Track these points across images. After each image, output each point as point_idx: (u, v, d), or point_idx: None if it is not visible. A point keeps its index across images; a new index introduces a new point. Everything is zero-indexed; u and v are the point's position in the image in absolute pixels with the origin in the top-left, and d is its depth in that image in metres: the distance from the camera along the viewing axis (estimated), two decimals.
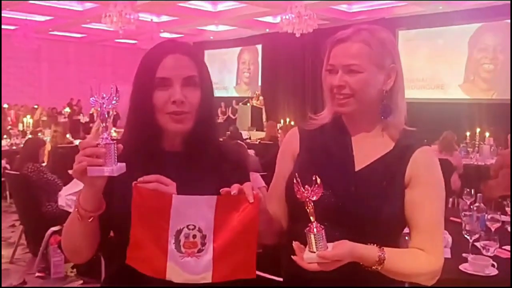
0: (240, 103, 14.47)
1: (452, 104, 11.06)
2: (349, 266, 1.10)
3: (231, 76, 17.05)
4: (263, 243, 1.29)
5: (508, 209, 2.99)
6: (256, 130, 11.93)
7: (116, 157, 1.03)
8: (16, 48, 12.51)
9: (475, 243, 2.39)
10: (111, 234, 1.23)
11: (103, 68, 18.22)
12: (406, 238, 1.39)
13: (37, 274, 4.02)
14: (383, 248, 1.12)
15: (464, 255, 2.33)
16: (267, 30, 13.76)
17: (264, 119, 13.54)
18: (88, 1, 11.04)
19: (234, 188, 1.04)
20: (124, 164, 1.04)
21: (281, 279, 1.41)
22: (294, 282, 1.27)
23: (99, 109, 1.04)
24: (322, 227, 1.07)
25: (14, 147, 7.44)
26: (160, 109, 1.15)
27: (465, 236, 2.42)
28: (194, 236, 1.03)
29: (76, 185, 4.40)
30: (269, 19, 12.80)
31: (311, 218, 1.07)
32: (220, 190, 1.05)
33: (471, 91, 11.20)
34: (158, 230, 1.03)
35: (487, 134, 7.39)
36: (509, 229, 2.78)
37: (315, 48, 12.50)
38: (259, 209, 1.05)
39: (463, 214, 2.75)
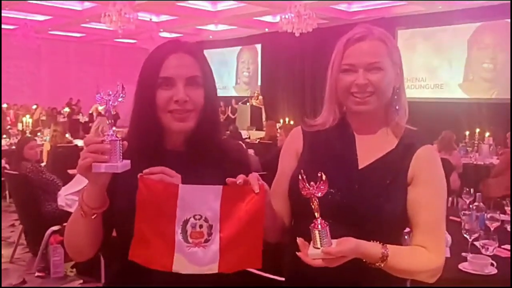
0: (240, 103, 14.47)
1: (451, 103, 11.07)
2: (351, 264, 1.11)
3: (230, 75, 17.05)
4: (265, 240, 1.29)
5: (507, 208, 2.99)
6: (256, 130, 11.93)
7: (121, 154, 1.03)
8: (16, 47, 12.52)
9: (475, 242, 2.39)
10: (113, 234, 1.23)
11: (103, 68, 18.22)
12: (406, 237, 1.40)
13: (36, 273, 4.03)
14: (386, 245, 1.13)
15: (463, 254, 2.33)
16: (267, 29, 13.76)
17: (263, 119, 13.54)
18: (87, 0, 11.03)
19: (240, 178, 1.05)
20: (128, 161, 1.04)
21: (282, 279, 1.41)
22: (297, 280, 1.28)
23: (99, 107, 1.05)
24: (327, 223, 1.08)
25: (13, 147, 7.43)
26: (162, 108, 1.16)
27: (465, 235, 2.43)
28: (201, 226, 1.03)
29: (75, 185, 4.40)
30: (268, 18, 12.81)
31: (316, 214, 1.08)
32: (226, 180, 1.05)
33: (470, 90, 11.20)
34: (165, 221, 1.02)
35: (486, 133, 7.39)
36: (508, 228, 2.79)
37: (315, 48, 12.53)
38: (265, 200, 1.05)
39: (462, 213, 2.75)
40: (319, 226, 1.07)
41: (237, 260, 1.05)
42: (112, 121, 1.05)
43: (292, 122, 11.16)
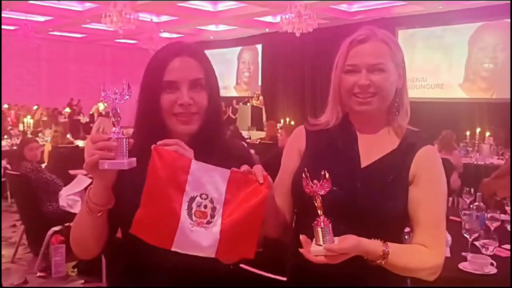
0: (240, 103, 14.47)
1: (452, 103, 11.07)
2: (353, 263, 1.13)
3: (231, 75, 17.04)
4: (267, 235, 1.30)
5: (507, 208, 2.99)
6: (256, 130, 11.93)
7: (127, 152, 1.04)
8: (17, 48, 12.53)
9: (475, 242, 2.40)
10: (117, 234, 1.24)
11: (103, 68, 18.22)
12: (406, 237, 1.41)
13: (38, 273, 4.04)
14: (387, 243, 1.14)
15: (463, 254, 2.34)
16: (267, 29, 13.75)
17: (264, 119, 13.54)
18: (88, 1, 11.04)
19: (244, 167, 1.07)
20: (134, 159, 1.05)
21: (284, 279, 1.42)
22: (300, 278, 1.29)
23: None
24: (329, 221, 1.09)
25: (14, 147, 7.45)
26: (167, 111, 1.17)
27: (465, 235, 2.43)
28: (205, 206, 1.04)
29: (77, 186, 4.42)
30: (269, 18, 12.80)
31: (319, 212, 1.10)
32: (231, 169, 1.06)
33: (471, 90, 11.19)
34: (173, 195, 1.02)
35: (487, 133, 7.39)
36: (508, 228, 2.79)
37: (315, 48, 12.53)
38: (269, 192, 1.06)
39: (462, 213, 2.76)
40: (322, 224, 1.08)
41: (234, 248, 1.05)
42: (119, 119, 1.06)
43: (292, 122, 11.16)
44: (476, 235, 2.41)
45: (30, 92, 16.30)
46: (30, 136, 7.52)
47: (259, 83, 15.80)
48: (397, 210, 1.22)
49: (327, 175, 1.09)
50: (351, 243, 1.09)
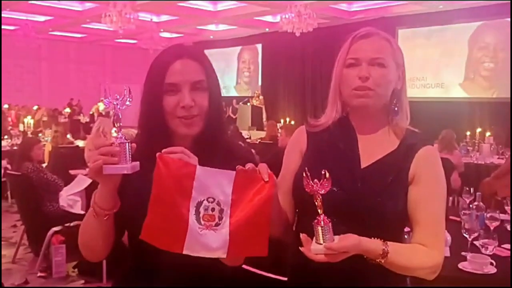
0: (240, 103, 14.47)
1: (452, 102, 11.06)
2: (353, 263, 1.14)
3: (231, 75, 17.04)
4: (270, 233, 1.30)
5: (507, 208, 3.00)
6: (257, 130, 11.92)
7: (130, 156, 1.06)
8: (17, 48, 12.53)
9: (474, 242, 2.40)
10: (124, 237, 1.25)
11: (103, 68, 18.23)
12: (406, 237, 1.41)
13: (39, 274, 4.05)
14: (386, 242, 1.16)
15: (463, 253, 2.34)
16: (267, 29, 13.75)
17: (264, 119, 13.55)
18: (88, 1, 11.04)
19: (249, 165, 1.07)
20: (138, 163, 1.07)
21: (285, 279, 1.43)
22: (300, 278, 1.31)
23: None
24: (329, 220, 1.10)
25: (15, 148, 7.45)
26: (170, 113, 1.18)
27: (464, 234, 2.43)
28: (213, 209, 1.05)
29: (77, 186, 4.42)
30: (269, 18, 12.80)
31: (319, 211, 1.10)
32: (236, 167, 1.07)
33: (471, 89, 11.19)
34: (180, 200, 1.04)
35: (487, 133, 7.39)
36: (508, 227, 2.79)
37: (315, 47, 12.54)
38: (274, 189, 1.07)
39: (462, 212, 2.76)
40: (322, 222, 1.09)
41: (245, 247, 1.06)
42: (121, 124, 1.08)
43: (292, 122, 11.17)
44: (476, 234, 2.41)
45: (30, 92, 16.31)
46: (31, 136, 7.52)
47: (259, 83, 15.80)
48: (397, 210, 1.23)
49: (327, 175, 1.10)
50: (351, 242, 1.10)
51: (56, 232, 3.91)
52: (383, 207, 1.22)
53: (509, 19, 9.81)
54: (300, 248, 1.12)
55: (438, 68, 11.65)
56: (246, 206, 1.05)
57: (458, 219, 2.78)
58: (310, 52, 13.30)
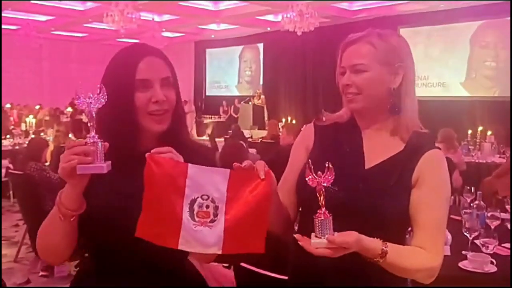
0: (242, 102, 14.49)
1: (453, 102, 11.05)
2: (354, 264, 1.15)
3: (232, 74, 17.05)
4: (271, 230, 1.31)
5: (508, 207, 3.00)
6: (258, 129, 11.94)
7: (103, 155, 1.06)
8: (19, 47, 12.55)
9: (475, 241, 2.40)
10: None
11: (105, 67, 18.21)
12: (407, 236, 1.42)
13: (40, 273, 4.06)
14: (386, 243, 1.16)
15: (463, 252, 2.34)
16: (269, 28, 13.75)
17: (265, 118, 13.55)
18: (89, 0, 11.05)
19: (246, 162, 1.08)
20: (110, 162, 1.07)
21: (285, 277, 1.43)
22: (301, 276, 1.31)
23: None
24: (330, 214, 1.10)
25: (17, 147, 7.47)
26: (141, 109, 1.17)
27: (465, 233, 2.43)
28: (207, 206, 1.06)
29: None
30: (270, 17, 12.80)
31: (321, 204, 1.11)
32: (233, 164, 1.08)
33: (473, 88, 11.18)
34: (173, 198, 1.05)
35: (489, 132, 7.38)
36: (509, 226, 2.79)
37: (317, 46, 12.53)
38: (272, 187, 1.08)
39: (463, 211, 2.76)
40: (323, 216, 1.10)
41: (241, 243, 1.06)
42: (94, 123, 1.07)
43: (294, 121, 11.17)
44: (477, 233, 2.41)
45: (32, 91, 16.33)
46: (33, 136, 7.54)
47: (261, 82, 15.80)
48: (399, 212, 1.24)
49: (330, 166, 1.10)
50: (352, 238, 1.10)
51: None
52: (384, 209, 1.22)
53: (509, 18, 9.79)
54: (299, 242, 1.11)
55: (439, 67, 11.63)
56: (242, 203, 1.06)
57: (459, 218, 2.79)
58: (312, 51, 13.29)
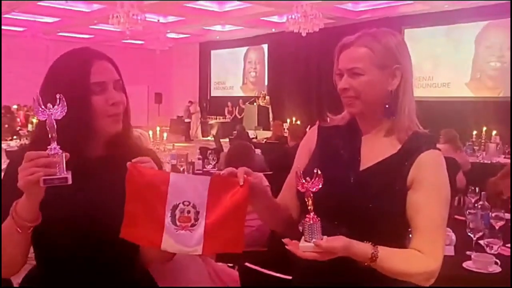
0: (247, 103, 14.52)
1: (458, 102, 11.02)
2: (359, 265, 1.15)
3: (237, 75, 17.09)
4: (273, 228, 1.33)
5: None
6: (263, 130, 11.97)
7: (65, 166, 1.05)
8: (25, 49, 12.64)
9: (479, 241, 2.40)
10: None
11: None
12: (410, 235, 1.43)
13: None
14: (377, 246, 1.15)
15: (467, 252, 2.34)
16: (273, 29, 13.78)
17: (270, 119, 13.58)
18: (95, 2, 11.12)
19: (225, 170, 1.14)
20: (70, 171, 1.06)
21: (289, 277, 1.45)
22: (306, 275, 1.31)
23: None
24: (319, 219, 1.12)
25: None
26: (100, 112, 1.17)
27: (469, 234, 2.43)
28: (189, 212, 1.11)
29: None
30: (275, 18, 12.83)
31: (309, 209, 1.13)
32: (213, 173, 1.13)
33: (477, 89, 11.15)
34: (155, 205, 1.11)
35: (493, 132, 7.36)
36: None
37: (321, 47, 12.52)
38: (249, 192, 1.13)
39: (467, 212, 2.76)
40: (311, 221, 1.12)
41: (220, 244, 1.13)
42: (55, 134, 1.04)
43: (298, 122, 11.18)
44: (481, 234, 2.41)
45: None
46: None
47: (266, 83, 15.83)
48: (394, 215, 1.22)
49: (319, 172, 1.12)
50: (340, 243, 1.11)
51: None
52: (378, 211, 1.21)
53: None
54: (286, 247, 1.13)
55: (444, 68, 11.61)
56: (222, 208, 1.12)
57: (463, 218, 2.79)
58: (316, 52, 13.28)
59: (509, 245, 2.49)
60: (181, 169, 4.57)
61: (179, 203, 1.11)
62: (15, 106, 13.43)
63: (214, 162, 5.18)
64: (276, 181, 1.86)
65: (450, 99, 11.30)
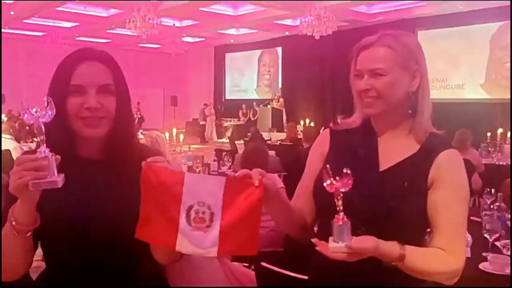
0: (261, 105, 14.57)
1: (473, 103, 10.90)
2: (375, 263, 1.15)
3: (251, 78, 17.14)
4: (287, 233, 1.35)
5: None
6: (277, 132, 11.98)
7: (56, 169, 1.03)
8: (45, 53, 12.86)
9: (495, 243, 2.39)
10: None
11: (127, 72, 18.31)
12: (426, 237, 1.44)
13: None
14: (404, 246, 1.15)
15: (484, 254, 2.33)
16: (287, 32, 13.80)
17: (284, 121, 13.59)
18: (112, 3, 11.24)
19: (241, 172, 1.12)
20: (63, 174, 1.05)
21: (305, 277, 1.45)
22: (322, 275, 1.32)
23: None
24: (348, 219, 1.11)
25: None
26: (74, 114, 1.16)
27: (485, 235, 2.43)
28: (204, 213, 1.10)
29: None
30: (288, 21, 12.86)
31: (338, 209, 1.11)
32: (228, 174, 1.13)
33: (492, 90, 11.01)
34: (170, 205, 1.10)
35: (508, 133, 7.27)
36: None
37: (335, 50, 12.51)
38: (264, 193, 1.11)
39: (483, 213, 2.75)
40: (341, 221, 1.10)
41: (235, 246, 1.12)
42: (44, 137, 1.03)
43: (312, 124, 11.17)
44: (497, 235, 2.40)
45: None
46: None
47: (279, 85, 15.85)
48: (415, 214, 1.22)
49: (348, 172, 1.10)
50: (369, 244, 1.11)
51: None
52: (400, 211, 1.21)
53: None
54: (317, 247, 1.12)
55: (458, 69, 11.49)
56: (237, 209, 1.11)
57: (479, 219, 2.78)
58: (330, 54, 13.27)
59: None
60: (197, 170, 4.62)
61: (194, 204, 1.10)
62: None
63: (229, 164, 5.23)
64: (291, 183, 1.88)
65: (465, 101, 11.18)
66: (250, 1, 10.96)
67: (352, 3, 10.87)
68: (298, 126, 9.92)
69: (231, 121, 15.80)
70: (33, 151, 1.07)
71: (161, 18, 10.31)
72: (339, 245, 1.10)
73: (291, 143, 7.70)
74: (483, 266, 2.21)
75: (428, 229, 1.30)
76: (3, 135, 5.83)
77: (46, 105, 1.03)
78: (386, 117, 1.31)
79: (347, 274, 1.22)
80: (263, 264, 1.92)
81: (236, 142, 9.21)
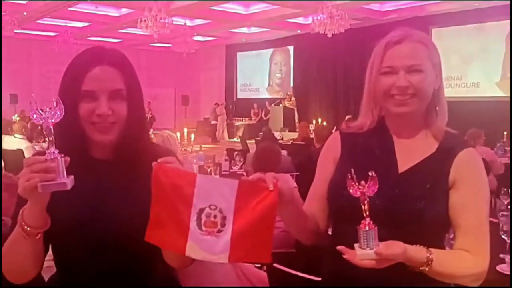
0: (273, 104, 14.55)
1: (488, 102, 10.76)
2: (390, 267, 1.12)
3: (263, 77, 17.14)
4: (299, 239, 1.32)
5: None
6: (289, 131, 11.97)
7: (65, 170, 1.02)
8: (56, 53, 13.00)
9: None
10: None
11: (139, 72, 18.40)
12: (452, 242, 1.40)
13: None
14: (430, 250, 1.13)
15: (501, 255, 2.30)
16: (299, 31, 13.77)
17: (296, 120, 13.56)
18: (124, 2, 11.32)
19: (254, 176, 1.08)
20: (72, 176, 1.04)
21: (318, 279, 1.43)
22: (336, 281, 1.29)
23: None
24: (375, 225, 1.08)
25: None
26: (85, 119, 1.15)
27: (503, 236, 2.39)
28: (215, 216, 1.06)
29: None
30: (300, 20, 12.82)
31: (365, 214, 1.09)
32: (241, 178, 1.09)
33: (508, 88, 10.85)
34: (181, 207, 1.06)
35: None
36: None
37: (347, 48, 12.45)
38: (278, 197, 1.08)
39: (500, 214, 2.70)
40: (367, 227, 1.08)
41: (248, 252, 1.08)
42: (53, 138, 1.02)
43: (325, 123, 11.13)
44: None
45: None
46: None
47: (291, 84, 15.82)
48: (437, 216, 1.20)
49: (374, 175, 1.07)
50: (398, 250, 1.08)
51: None
52: (422, 213, 1.18)
53: None
54: (344, 256, 1.09)
55: (473, 67, 11.36)
56: (250, 214, 1.06)
57: (495, 220, 2.73)
58: (342, 53, 13.22)
59: None
60: (208, 170, 4.62)
61: (206, 207, 1.06)
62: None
63: (241, 163, 5.22)
64: (303, 183, 1.86)
65: (480, 99, 11.04)
66: (262, 0, 10.95)
67: (364, 1, 10.81)
68: (310, 125, 9.88)
69: (242, 120, 15.82)
70: (45, 152, 1.05)
71: (172, 17, 10.34)
72: (367, 252, 1.07)
73: (303, 143, 7.68)
74: (500, 268, 2.17)
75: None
76: (15, 135, 5.90)
77: (55, 105, 1.03)
78: (406, 116, 1.26)
79: (360, 277, 1.19)
80: (275, 265, 1.91)
81: (247, 141, 9.21)
